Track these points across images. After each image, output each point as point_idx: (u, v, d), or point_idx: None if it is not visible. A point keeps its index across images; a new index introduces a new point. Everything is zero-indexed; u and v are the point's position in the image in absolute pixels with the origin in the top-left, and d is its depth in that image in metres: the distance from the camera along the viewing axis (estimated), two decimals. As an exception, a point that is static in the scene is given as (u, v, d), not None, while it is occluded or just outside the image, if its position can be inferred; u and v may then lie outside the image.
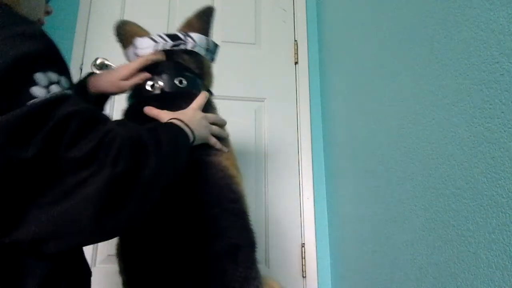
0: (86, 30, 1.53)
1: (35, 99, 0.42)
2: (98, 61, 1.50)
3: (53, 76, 0.46)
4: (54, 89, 0.45)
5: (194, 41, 0.85)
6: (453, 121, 0.72)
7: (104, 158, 0.45)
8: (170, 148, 0.59)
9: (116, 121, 0.55)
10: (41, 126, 0.42)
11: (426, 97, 0.81)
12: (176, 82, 0.80)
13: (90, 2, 1.57)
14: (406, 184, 0.88)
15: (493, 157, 0.61)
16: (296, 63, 1.68)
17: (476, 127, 0.66)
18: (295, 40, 1.71)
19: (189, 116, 0.73)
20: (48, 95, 0.43)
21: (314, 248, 1.48)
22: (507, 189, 0.58)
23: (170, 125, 0.67)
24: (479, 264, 0.63)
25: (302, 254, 1.47)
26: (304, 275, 1.45)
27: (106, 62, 1.48)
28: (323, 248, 1.48)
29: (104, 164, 0.45)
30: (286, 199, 1.52)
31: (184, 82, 0.80)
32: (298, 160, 1.57)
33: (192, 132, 0.70)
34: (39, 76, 0.44)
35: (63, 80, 0.47)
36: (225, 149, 0.80)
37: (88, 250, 1.27)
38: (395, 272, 0.91)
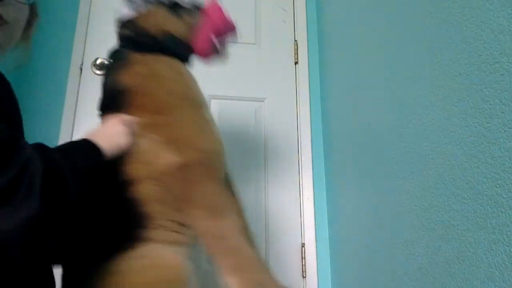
0: (86, 30, 1.53)
1: None
2: (98, 61, 1.50)
3: None
4: None
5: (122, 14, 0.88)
6: (453, 121, 0.72)
7: (25, 193, 0.43)
8: (86, 170, 0.57)
9: (33, 146, 0.52)
10: None
11: (426, 97, 0.81)
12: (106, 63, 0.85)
13: (90, 2, 1.57)
14: (406, 184, 0.88)
15: (493, 157, 0.61)
16: (296, 63, 1.68)
17: (476, 127, 0.66)
18: (295, 40, 1.70)
19: (101, 131, 0.71)
20: None
21: (314, 248, 1.48)
22: (507, 189, 0.58)
23: (82, 144, 0.65)
24: (479, 264, 0.63)
25: (302, 254, 1.47)
26: (304, 275, 1.45)
27: (106, 62, 1.49)
28: (323, 248, 1.48)
29: (25, 199, 0.43)
30: (286, 199, 1.52)
31: (109, 62, 0.86)
32: (298, 160, 1.57)
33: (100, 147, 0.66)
34: None
35: None
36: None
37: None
38: (395, 272, 0.91)
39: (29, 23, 0.69)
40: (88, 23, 1.54)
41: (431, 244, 0.77)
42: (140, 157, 0.70)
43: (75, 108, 1.43)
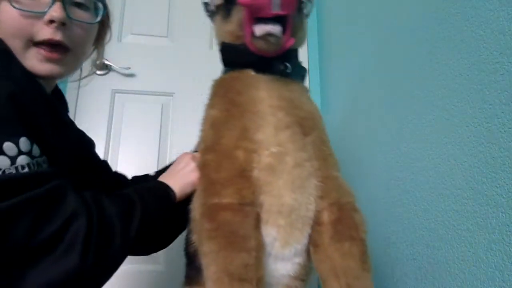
0: (86, 30, 1.53)
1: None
2: (98, 61, 1.50)
3: (24, 143, 0.43)
4: (21, 160, 0.42)
5: None
6: (453, 121, 0.72)
7: (66, 247, 0.43)
8: (144, 222, 0.56)
9: (92, 196, 0.52)
10: None
11: (426, 97, 0.81)
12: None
13: (90, 2, 1.57)
14: (406, 184, 0.88)
15: (493, 157, 0.61)
16: (296, 63, 1.68)
17: (476, 127, 0.66)
18: (295, 40, 1.70)
19: (175, 174, 0.69)
20: (12, 170, 0.41)
21: (314, 248, 1.47)
22: (507, 189, 0.58)
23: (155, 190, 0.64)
24: (479, 264, 0.63)
25: (302, 254, 1.46)
26: (304, 275, 1.44)
27: (106, 62, 1.49)
28: (323, 248, 1.47)
29: (70, 253, 0.43)
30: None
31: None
32: (298, 160, 1.57)
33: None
34: (7, 145, 0.42)
35: (34, 148, 0.45)
36: None
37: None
38: (395, 272, 0.91)
39: (100, 34, 0.67)
40: (88, 23, 1.54)
41: (431, 244, 0.77)
42: None
43: (75, 108, 1.43)
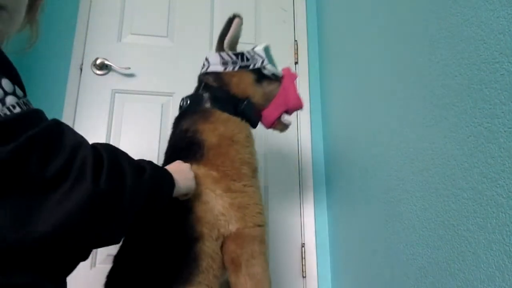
0: (86, 30, 1.53)
1: None
2: (98, 61, 1.50)
3: (7, 85, 0.44)
4: (10, 100, 0.43)
5: (209, 62, 0.91)
6: (453, 121, 0.72)
7: (80, 173, 0.45)
8: (149, 180, 0.58)
9: (102, 145, 0.54)
10: (2, 142, 0.40)
11: (426, 97, 0.81)
12: (181, 103, 0.90)
13: (90, 2, 1.57)
14: (406, 184, 0.88)
15: (493, 157, 0.61)
16: (296, 63, 1.68)
17: (476, 127, 0.66)
18: (295, 40, 1.71)
19: (176, 168, 0.73)
20: (12, 112, 0.42)
21: (314, 248, 1.48)
22: (507, 189, 0.58)
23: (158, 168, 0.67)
24: (479, 264, 0.63)
25: (302, 254, 1.47)
26: (304, 275, 1.45)
27: (106, 62, 1.49)
28: (323, 248, 1.48)
29: (82, 179, 0.44)
30: (286, 199, 1.52)
31: (187, 102, 0.89)
32: (298, 160, 1.57)
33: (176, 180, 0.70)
34: None
35: (17, 89, 0.45)
36: None
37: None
38: (395, 272, 0.91)
39: (32, 6, 0.66)
40: (88, 23, 1.54)
41: (431, 244, 0.77)
42: (212, 217, 0.78)
43: (75, 108, 1.43)
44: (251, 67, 0.91)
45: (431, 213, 0.78)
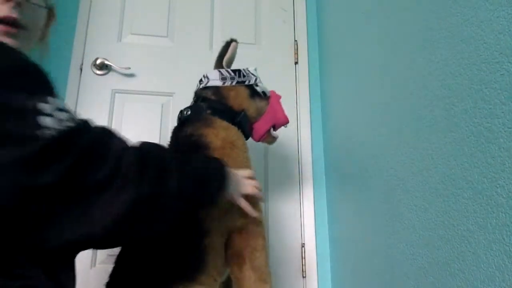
0: (86, 30, 1.53)
1: (48, 130, 0.44)
2: (98, 61, 1.50)
3: (52, 101, 0.48)
4: (60, 115, 0.47)
5: (208, 78, 0.99)
6: (453, 121, 0.72)
7: (124, 180, 0.49)
8: (195, 178, 0.63)
9: (147, 144, 0.59)
10: (61, 157, 0.44)
11: (426, 97, 0.81)
12: (179, 115, 0.96)
13: (90, 2, 1.57)
14: (406, 184, 0.88)
15: (493, 157, 0.61)
16: (296, 63, 1.68)
17: (476, 127, 0.66)
18: (295, 40, 1.70)
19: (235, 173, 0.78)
20: (62, 127, 0.46)
21: (314, 248, 1.48)
22: (507, 189, 0.58)
23: (211, 161, 0.72)
24: (479, 264, 0.63)
25: (302, 254, 1.47)
26: (304, 275, 1.45)
27: (106, 62, 1.49)
28: (323, 248, 1.48)
29: (127, 184, 0.49)
30: (286, 199, 1.52)
31: (187, 112, 0.94)
32: (298, 160, 1.57)
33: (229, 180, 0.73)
34: (43, 106, 0.46)
35: (60, 102, 0.49)
36: (253, 213, 0.82)
37: (88, 250, 1.27)
38: (395, 272, 0.91)
39: (46, 25, 0.72)
40: (88, 23, 1.54)
41: (431, 244, 0.77)
42: (219, 213, 0.81)
43: (75, 108, 1.43)
44: (246, 82, 1.00)
45: (431, 213, 0.78)
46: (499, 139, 0.60)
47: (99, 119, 1.43)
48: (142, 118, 1.46)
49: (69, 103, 1.44)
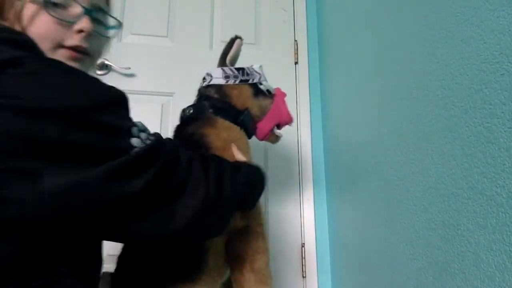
0: (86, 30, 1.53)
1: (136, 148, 0.52)
2: (98, 61, 1.50)
3: (136, 125, 0.58)
4: (143, 136, 0.56)
5: (211, 77, 0.98)
6: (453, 121, 0.72)
7: (195, 185, 0.58)
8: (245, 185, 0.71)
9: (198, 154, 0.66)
10: (148, 168, 0.52)
11: (426, 97, 0.81)
12: (182, 114, 0.96)
13: (90, 2, 1.56)
14: (406, 184, 0.88)
15: (493, 157, 0.61)
16: (296, 63, 1.68)
17: (476, 127, 0.66)
18: (295, 40, 1.71)
19: None
20: (147, 143, 0.55)
21: (314, 248, 1.48)
22: (507, 189, 0.58)
23: (255, 169, 0.80)
24: (479, 264, 0.63)
25: (302, 254, 1.47)
26: (304, 275, 1.45)
27: (106, 62, 1.49)
28: (323, 248, 1.48)
29: (198, 189, 0.58)
30: (286, 199, 1.52)
31: (189, 111, 0.95)
32: (298, 160, 1.57)
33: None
34: (132, 130, 0.55)
35: (140, 124, 0.60)
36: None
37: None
38: (395, 272, 0.91)
39: (105, 49, 0.77)
40: (88, 23, 1.54)
41: (431, 244, 0.77)
42: None
43: (75, 108, 1.43)
44: (250, 81, 0.98)
45: (431, 213, 0.78)
46: (499, 139, 0.60)
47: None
48: (142, 118, 1.45)
49: (69, 103, 1.44)
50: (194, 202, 0.57)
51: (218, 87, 0.96)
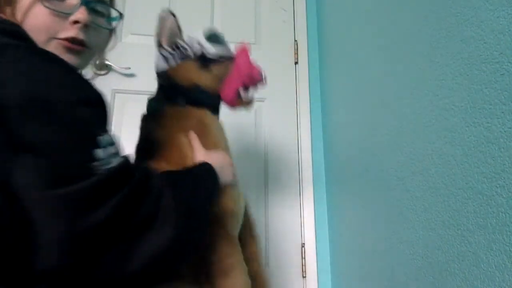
0: (86, 30, 1.53)
1: (102, 168, 0.47)
2: (98, 61, 1.50)
3: (106, 136, 0.51)
4: (111, 149, 0.50)
5: (156, 65, 0.92)
6: (453, 121, 0.72)
7: (163, 221, 0.51)
8: (205, 207, 0.66)
9: (164, 175, 0.60)
10: (114, 193, 0.46)
11: (426, 97, 0.81)
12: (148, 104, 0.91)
13: (90, 2, 1.56)
14: (406, 184, 0.88)
15: (493, 157, 0.61)
16: (296, 63, 1.68)
17: (476, 127, 0.66)
18: (295, 40, 1.70)
19: (218, 162, 0.77)
20: (114, 164, 0.48)
21: (314, 248, 1.48)
22: (507, 189, 0.58)
23: (209, 174, 0.73)
24: (479, 264, 0.63)
25: (302, 254, 1.47)
26: (304, 275, 1.44)
27: (106, 62, 1.49)
28: (323, 248, 1.48)
29: (164, 226, 0.51)
30: (286, 199, 1.52)
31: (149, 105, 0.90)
32: (298, 160, 1.57)
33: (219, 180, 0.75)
34: (100, 139, 0.49)
35: (110, 137, 0.52)
36: None
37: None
38: (395, 272, 0.91)
39: (106, 45, 0.74)
40: (88, 23, 1.54)
41: (431, 244, 0.77)
42: None
43: (75, 108, 1.43)
44: (192, 55, 0.89)
45: (431, 213, 0.78)
46: (499, 139, 0.60)
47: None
48: (142, 118, 1.46)
49: (69, 103, 1.44)
50: (159, 237, 0.51)
51: (163, 73, 0.90)
